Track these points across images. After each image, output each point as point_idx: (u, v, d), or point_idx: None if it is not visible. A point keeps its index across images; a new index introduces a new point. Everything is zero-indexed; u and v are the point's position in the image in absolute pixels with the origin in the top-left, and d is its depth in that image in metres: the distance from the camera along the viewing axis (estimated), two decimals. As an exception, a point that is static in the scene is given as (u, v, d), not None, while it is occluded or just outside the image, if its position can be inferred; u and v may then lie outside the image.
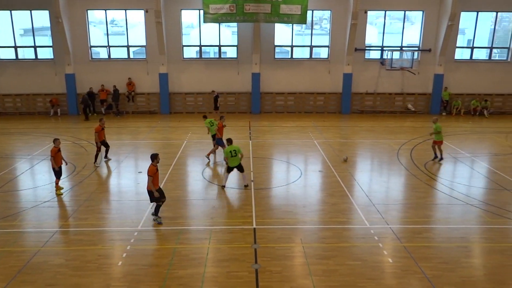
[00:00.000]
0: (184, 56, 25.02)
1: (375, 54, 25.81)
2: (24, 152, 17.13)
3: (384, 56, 24.90)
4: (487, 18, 25.18)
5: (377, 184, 13.91)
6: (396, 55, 24.79)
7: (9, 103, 25.00)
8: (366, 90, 25.64)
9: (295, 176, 14.27)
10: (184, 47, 24.97)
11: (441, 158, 15.81)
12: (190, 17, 26.22)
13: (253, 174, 14.33)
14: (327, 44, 25.25)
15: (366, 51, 25.39)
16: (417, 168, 15.14)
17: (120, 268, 8.63)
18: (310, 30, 25.18)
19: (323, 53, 25.74)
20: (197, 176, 14.23)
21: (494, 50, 25.86)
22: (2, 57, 24.63)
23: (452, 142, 18.72)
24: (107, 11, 24.19)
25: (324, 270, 8.52)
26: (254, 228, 10.34)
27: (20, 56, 24.79)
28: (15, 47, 24.47)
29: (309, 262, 8.82)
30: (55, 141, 12.56)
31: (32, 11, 23.77)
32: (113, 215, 11.29)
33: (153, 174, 10.24)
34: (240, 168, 12.92)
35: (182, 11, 24.34)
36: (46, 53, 24.76)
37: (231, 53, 25.64)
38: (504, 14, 25.22)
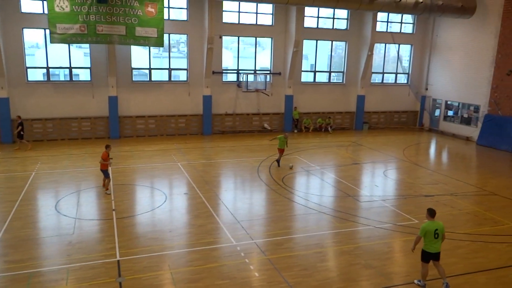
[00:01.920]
0: (29, 79, 22.64)
1: (232, 77, 27.06)
2: None
3: (240, 79, 26.30)
4: (325, 46, 28.65)
5: (241, 201, 14.48)
6: (251, 77, 26.39)
7: None
8: (226, 111, 26.64)
9: (160, 201, 13.96)
10: (28, 69, 22.60)
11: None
12: (34, 37, 23.89)
13: (114, 203, 13.57)
14: (185, 67, 25.59)
15: (223, 73, 26.47)
16: (276, 182, 16.22)
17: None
18: (168, 53, 25.23)
19: (182, 75, 26.00)
20: (49, 211, 12.87)
21: (332, 74, 29.47)
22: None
23: (304, 157, 20.59)
24: None
25: (194, 293, 8.48)
26: (118, 260, 9.76)
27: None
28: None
29: (178, 287, 8.68)
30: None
31: None
32: None
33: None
34: None
35: (25, 29, 22.09)
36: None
37: (84, 75, 24.12)
38: (338, 43, 29.02)
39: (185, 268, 9.57)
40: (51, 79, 23.26)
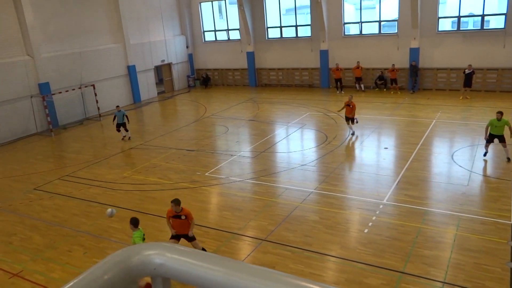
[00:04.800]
0: (439, 29, 23.46)
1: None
2: (284, 120, 19.84)
3: None
4: None
5: None
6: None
7: (273, 76, 29.09)
8: None
9: None
10: (439, 19, 23.39)
11: None
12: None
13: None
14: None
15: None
16: None
17: (366, 235, 9.37)
18: None
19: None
20: (445, 158, 13.61)
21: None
22: (270, 36, 28.65)
23: None
24: (362, -13, 24.80)
25: None
26: (512, 224, 9.38)
27: (284, 35, 28.26)
28: (280, 27, 28.04)
29: None
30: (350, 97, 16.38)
31: (297, -6, 26.56)
32: (359, 185, 12.09)
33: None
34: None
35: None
36: (304, 31, 27.43)
37: (497, 23, 22.53)
38: None
39: None
40: (460, 28, 23.17)
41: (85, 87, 23.06)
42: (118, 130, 18.28)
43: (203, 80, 31.04)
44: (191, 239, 8.71)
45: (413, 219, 9.94)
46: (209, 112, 22.80)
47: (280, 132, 18.17)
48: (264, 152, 15.49)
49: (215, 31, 30.78)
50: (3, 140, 19.78)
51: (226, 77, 31.07)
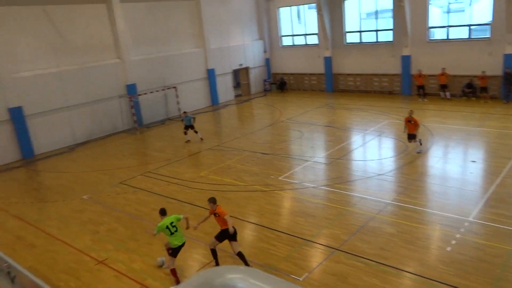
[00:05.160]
0: None
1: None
2: (361, 127, 19.28)
3: None
4: None
5: None
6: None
7: (351, 81, 28.43)
8: None
9: None
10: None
11: None
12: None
13: None
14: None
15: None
16: None
17: (448, 253, 8.76)
18: None
19: None
20: (544, 176, 12.32)
21: None
22: (348, 41, 28.06)
23: None
24: (451, -11, 23.35)
25: None
26: None
27: (363, 40, 27.51)
28: (360, 32, 27.34)
29: None
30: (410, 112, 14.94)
31: (379, -3, 25.73)
32: (442, 199, 11.34)
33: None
34: None
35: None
36: (385, 36, 26.48)
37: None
38: None
39: None
40: None
41: (168, 88, 24.31)
42: (185, 133, 19.04)
43: (279, 84, 31.24)
44: (232, 237, 8.67)
45: (503, 240, 9.11)
46: (284, 116, 22.86)
47: (356, 139, 17.69)
48: (339, 159, 15.17)
49: (292, 35, 30.86)
50: (94, 136, 21.52)
51: (302, 82, 30.96)
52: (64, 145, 20.39)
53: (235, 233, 8.64)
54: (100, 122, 21.83)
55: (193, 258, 9.52)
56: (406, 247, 9.10)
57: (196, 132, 18.96)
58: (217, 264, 8.78)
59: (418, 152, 14.84)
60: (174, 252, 8.53)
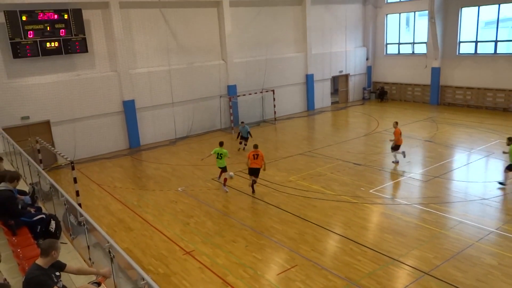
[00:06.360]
0: None
1: None
2: (466, 145, 17.73)
3: None
4: None
5: None
6: None
7: (460, 95, 26.30)
8: None
9: None
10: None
11: None
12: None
13: None
14: None
15: None
16: None
17: (560, 298, 7.67)
18: None
19: None
20: None
21: None
22: (461, 52, 25.97)
23: None
24: None
25: None
26: None
27: (478, 51, 25.26)
28: (476, 42, 25.13)
29: None
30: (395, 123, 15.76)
31: (500, 4, 23.41)
32: (559, 235, 9.96)
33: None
34: None
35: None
36: (506, 47, 24.00)
37: None
38: None
39: None
40: None
41: (266, 91, 24.82)
42: (240, 143, 19.27)
43: (379, 94, 30.08)
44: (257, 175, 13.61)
45: None
46: (381, 127, 21.94)
47: (459, 158, 16.31)
48: (438, 177, 14.12)
49: (399, 44, 29.48)
50: (194, 132, 22.82)
51: (405, 92, 29.42)
52: (166, 138, 21.95)
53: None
54: (200, 119, 23.08)
55: (275, 262, 9.59)
56: (507, 282, 8.15)
57: (245, 145, 19.09)
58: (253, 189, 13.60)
59: None
60: (224, 169, 14.35)
